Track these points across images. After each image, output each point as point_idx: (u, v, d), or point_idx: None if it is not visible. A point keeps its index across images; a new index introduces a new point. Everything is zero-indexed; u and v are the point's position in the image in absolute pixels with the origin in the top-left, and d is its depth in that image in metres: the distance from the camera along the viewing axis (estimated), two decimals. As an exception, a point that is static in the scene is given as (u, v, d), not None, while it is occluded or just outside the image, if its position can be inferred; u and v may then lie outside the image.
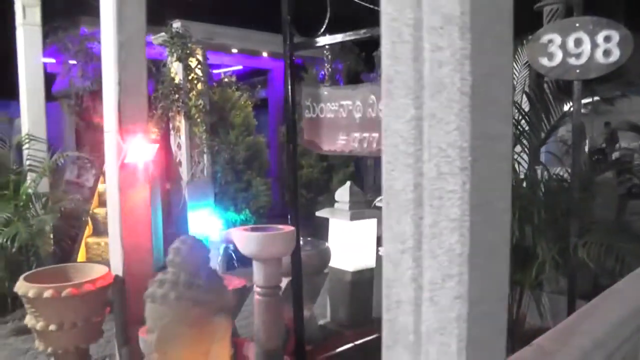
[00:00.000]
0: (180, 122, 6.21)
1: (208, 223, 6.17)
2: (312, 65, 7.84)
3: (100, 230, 5.54)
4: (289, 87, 3.42)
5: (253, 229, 2.89)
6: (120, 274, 3.17)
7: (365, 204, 4.61)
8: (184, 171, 6.28)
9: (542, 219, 3.40)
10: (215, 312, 1.57)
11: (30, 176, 5.06)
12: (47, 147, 5.28)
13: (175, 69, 6.16)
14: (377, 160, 8.62)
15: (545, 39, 3.26)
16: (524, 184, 3.78)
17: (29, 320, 2.99)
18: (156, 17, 7.06)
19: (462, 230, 1.12)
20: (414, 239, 1.19)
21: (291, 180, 3.36)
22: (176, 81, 6.09)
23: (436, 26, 1.11)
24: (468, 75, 1.09)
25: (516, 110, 3.97)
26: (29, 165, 5.08)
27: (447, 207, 1.14)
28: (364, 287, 4.24)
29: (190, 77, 6.13)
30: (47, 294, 2.85)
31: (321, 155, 7.39)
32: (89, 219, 5.50)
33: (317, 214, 4.59)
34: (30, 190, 4.83)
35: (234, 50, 7.03)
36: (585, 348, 1.65)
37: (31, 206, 4.84)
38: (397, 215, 1.21)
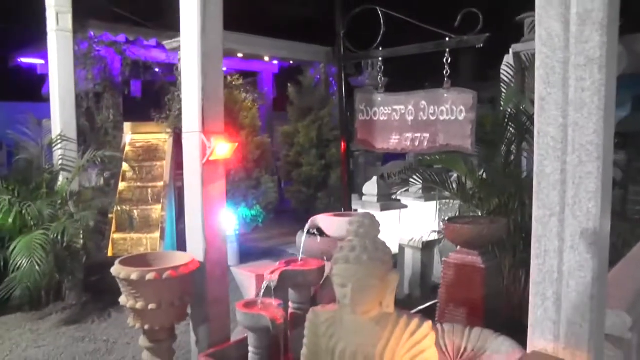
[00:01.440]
0: (194, 123, 6.63)
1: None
2: (307, 68, 8.41)
3: (124, 226, 5.89)
4: (342, 92, 3.98)
5: (335, 215, 3.47)
6: (201, 260, 3.64)
7: (389, 196, 5.23)
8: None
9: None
10: (390, 269, 2.12)
11: (62, 175, 5.38)
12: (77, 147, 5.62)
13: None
14: (367, 159, 9.25)
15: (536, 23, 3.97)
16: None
17: (126, 301, 3.41)
18: (168, 23, 7.48)
19: (596, 199, 1.73)
20: (559, 206, 1.80)
21: (343, 170, 3.94)
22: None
23: (581, 64, 1.72)
24: (603, 98, 1.71)
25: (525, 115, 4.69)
26: (61, 164, 5.40)
27: (585, 184, 1.75)
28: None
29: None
30: (150, 276, 3.29)
31: (320, 154, 7.97)
32: (114, 216, 5.85)
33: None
34: (67, 189, 5.17)
35: (240, 55, 7.52)
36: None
37: (66, 204, 5.18)
38: (547, 191, 1.82)
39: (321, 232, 3.50)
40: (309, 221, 3.58)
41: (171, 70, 7.88)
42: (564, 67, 1.76)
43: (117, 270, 3.41)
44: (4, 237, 4.91)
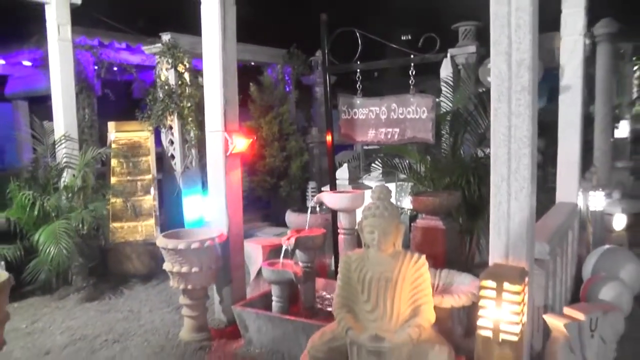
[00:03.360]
0: (173, 121, 7.55)
1: (199, 206, 7.62)
2: (265, 69, 9.48)
3: (119, 216, 6.73)
4: (328, 96, 5.14)
5: (337, 192, 4.65)
6: (225, 233, 4.70)
7: (357, 180, 6.46)
8: (177, 163, 7.63)
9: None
10: (400, 221, 3.33)
11: (67, 172, 6.19)
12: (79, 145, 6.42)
13: (166, 75, 7.48)
14: (321, 150, 10.43)
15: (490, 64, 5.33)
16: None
17: (172, 267, 4.39)
18: (146, 30, 8.28)
19: (528, 169, 3.01)
20: (508, 170, 3.05)
21: (330, 159, 5.10)
22: (168, 86, 7.40)
23: (518, 90, 2.99)
24: (531, 110, 2.98)
25: (466, 112, 6.06)
26: (66, 162, 6.19)
27: (522, 161, 3.02)
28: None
29: (180, 82, 7.49)
30: (195, 245, 4.32)
31: (281, 146, 9.07)
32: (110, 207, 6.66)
33: (323, 188, 6.30)
34: (78, 183, 6.00)
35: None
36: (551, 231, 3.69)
37: (75, 197, 6.01)
38: (499, 165, 3.08)
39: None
40: (315, 198, 4.73)
41: (143, 72, 8.72)
42: (508, 92, 3.01)
43: (163, 242, 4.39)
44: (23, 228, 5.69)
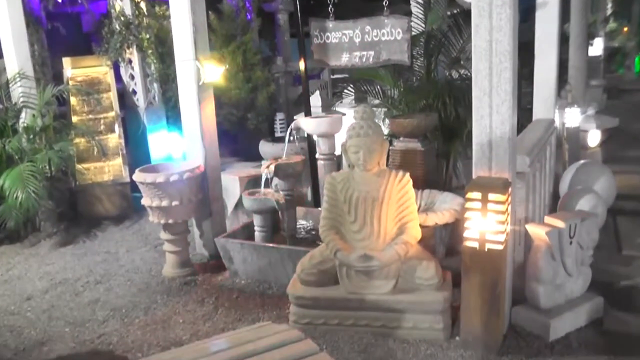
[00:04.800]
0: (132, 55, 7.46)
1: (166, 143, 7.70)
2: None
3: (83, 157, 6.73)
4: (299, 22, 5.21)
5: (315, 117, 4.81)
6: (202, 165, 4.83)
7: (330, 107, 6.62)
8: (139, 99, 7.60)
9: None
10: (384, 139, 3.52)
11: (25, 112, 6.14)
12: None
13: (121, 5, 7.33)
14: (287, 81, 10.50)
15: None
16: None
17: (151, 202, 4.53)
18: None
19: (509, 83, 3.20)
20: (489, 84, 3.24)
21: (304, 86, 5.24)
22: (124, 17, 7.27)
23: (499, 4, 3.14)
24: (511, 24, 3.15)
25: (439, 33, 6.19)
26: (23, 102, 6.13)
27: (504, 74, 3.21)
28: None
29: (137, 12, 7.36)
30: (174, 177, 4.46)
31: (246, 77, 9.08)
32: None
33: (295, 117, 6.43)
34: (39, 123, 5.98)
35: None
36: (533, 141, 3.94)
37: (37, 138, 6.00)
38: (481, 79, 3.26)
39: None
40: (292, 124, 4.88)
41: (94, 3, 8.49)
42: (490, 7, 3.15)
43: (141, 177, 4.52)
44: (-13, 173, 5.67)
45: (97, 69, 7.22)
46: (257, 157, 6.66)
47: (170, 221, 4.60)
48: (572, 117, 6.15)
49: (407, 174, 3.56)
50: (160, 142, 7.65)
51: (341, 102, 7.34)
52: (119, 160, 6.84)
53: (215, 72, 4.75)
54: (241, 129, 9.31)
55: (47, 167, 5.70)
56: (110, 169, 6.82)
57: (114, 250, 5.61)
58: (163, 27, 7.81)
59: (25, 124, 6.05)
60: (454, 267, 3.74)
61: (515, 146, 3.37)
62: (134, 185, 5.17)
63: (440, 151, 5.77)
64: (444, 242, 4.28)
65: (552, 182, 5.28)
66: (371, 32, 5.00)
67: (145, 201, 4.60)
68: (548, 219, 3.53)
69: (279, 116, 8.19)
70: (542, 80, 5.44)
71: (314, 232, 4.85)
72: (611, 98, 11.61)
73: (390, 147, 5.13)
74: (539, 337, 3.40)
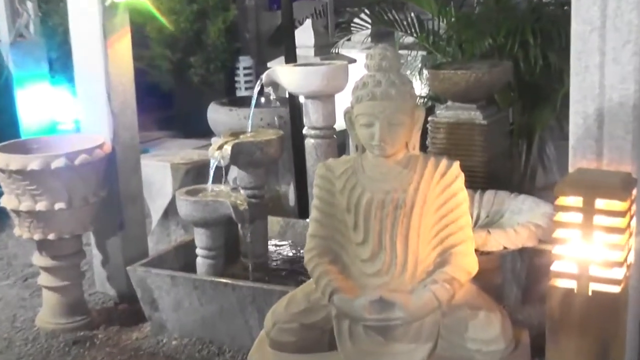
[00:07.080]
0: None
1: (48, 102, 7.57)
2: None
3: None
4: None
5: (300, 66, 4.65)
6: (109, 142, 4.68)
7: (329, 48, 6.46)
8: (1, 29, 7.49)
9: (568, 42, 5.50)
10: (417, 104, 3.35)
11: None
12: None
13: None
14: (257, 2, 10.46)
15: None
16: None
17: (18, 204, 4.42)
18: None
19: (638, 9, 3.01)
20: (600, 20, 3.06)
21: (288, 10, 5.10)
22: None
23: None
24: None
25: None
26: None
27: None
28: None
29: None
30: (58, 162, 4.29)
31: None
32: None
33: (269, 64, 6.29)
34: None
35: None
36: None
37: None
38: (587, 5, 3.08)
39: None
40: (263, 76, 4.72)
41: None
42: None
43: (1, 160, 4.35)
44: None
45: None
46: (203, 131, 6.64)
47: (50, 236, 4.49)
48: None
49: (457, 164, 3.38)
50: (38, 101, 7.56)
51: (349, 39, 7.18)
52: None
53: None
54: (179, 84, 9.22)
55: None
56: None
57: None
58: None
59: None
60: (534, 322, 3.62)
61: (642, 118, 3.21)
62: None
63: (516, 126, 5.62)
64: (518, 280, 4.15)
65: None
66: None
67: (6, 201, 4.50)
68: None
69: (243, 62, 8.10)
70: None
71: (296, 260, 4.76)
72: None
73: (430, 118, 4.97)
74: None
